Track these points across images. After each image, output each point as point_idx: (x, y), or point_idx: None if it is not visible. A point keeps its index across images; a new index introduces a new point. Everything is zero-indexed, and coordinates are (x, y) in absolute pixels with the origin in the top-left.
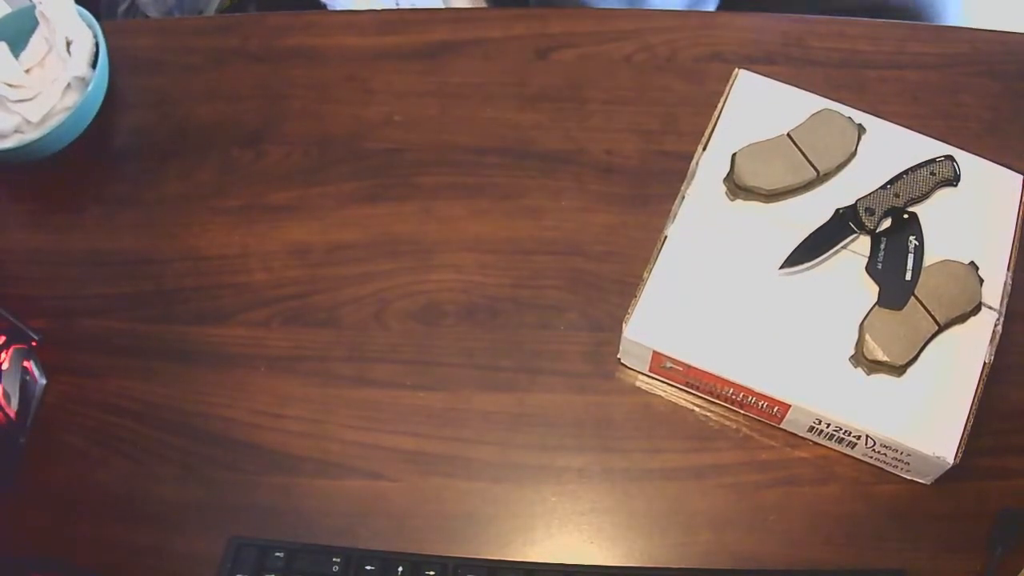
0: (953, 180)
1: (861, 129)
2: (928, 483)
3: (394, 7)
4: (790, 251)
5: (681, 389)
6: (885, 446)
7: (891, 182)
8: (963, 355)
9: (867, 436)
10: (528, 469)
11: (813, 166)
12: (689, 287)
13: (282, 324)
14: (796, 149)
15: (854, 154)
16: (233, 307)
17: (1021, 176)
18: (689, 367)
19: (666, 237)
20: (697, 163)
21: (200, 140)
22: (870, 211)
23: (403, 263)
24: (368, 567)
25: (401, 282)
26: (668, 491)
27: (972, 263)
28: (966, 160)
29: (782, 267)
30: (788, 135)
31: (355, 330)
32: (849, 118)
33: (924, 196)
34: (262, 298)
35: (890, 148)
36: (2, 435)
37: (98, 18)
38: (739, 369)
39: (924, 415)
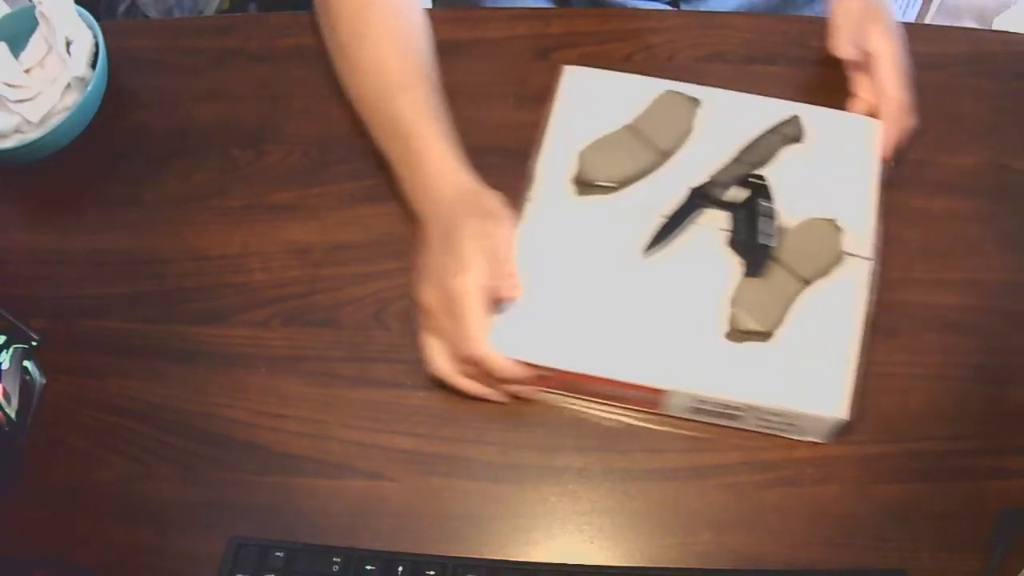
0: (800, 137)
1: (702, 105)
2: (826, 442)
3: None
4: (647, 239)
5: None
6: (772, 413)
7: (739, 152)
8: (839, 308)
9: (751, 407)
10: (528, 469)
11: (658, 150)
12: (548, 291)
13: (282, 324)
14: (639, 136)
15: (698, 131)
16: (233, 307)
17: (878, 121)
18: (557, 371)
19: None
20: (537, 165)
21: (200, 140)
22: (722, 184)
23: (403, 263)
24: (368, 567)
25: (401, 282)
26: (668, 491)
27: (833, 216)
28: (820, 115)
29: (645, 252)
30: (630, 124)
31: (355, 330)
32: (691, 96)
33: (774, 158)
34: (262, 298)
35: (737, 118)
36: (2, 435)
37: (98, 18)
38: (607, 364)
39: (808, 375)
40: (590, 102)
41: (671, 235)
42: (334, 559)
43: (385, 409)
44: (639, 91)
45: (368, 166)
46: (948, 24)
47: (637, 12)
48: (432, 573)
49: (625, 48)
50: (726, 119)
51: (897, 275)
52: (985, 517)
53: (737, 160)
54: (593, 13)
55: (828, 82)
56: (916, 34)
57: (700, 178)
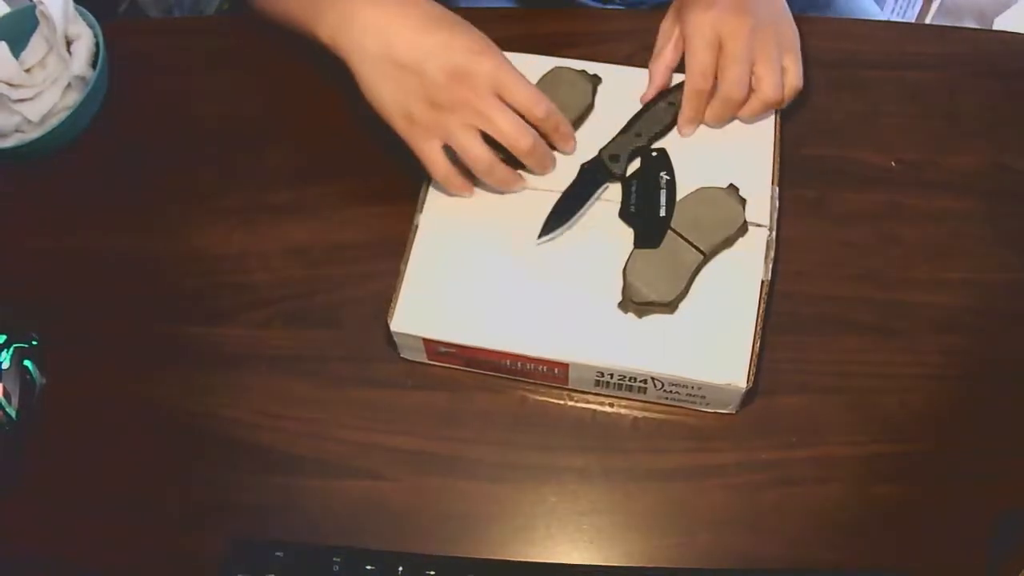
0: None
1: (596, 79)
2: (732, 412)
3: None
4: (544, 214)
5: (463, 371)
6: (675, 384)
7: (630, 123)
8: (739, 277)
9: (652, 378)
10: (528, 469)
11: None
12: (449, 270)
13: (282, 324)
14: None
15: (591, 106)
16: (233, 307)
17: None
18: (461, 347)
19: (417, 226)
20: None
21: (200, 140)
22: (615, 158)
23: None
24: (368, 567)
25: None
26: (668, 491)
27: (731, 185)
28: None
29: (540, 236)
30: None
31: (355, 330)
32: (582, 71)
33: (667, 129)
34: (262, 298)
35: (630, 92)
36: (2, 435)
37: (98, 18)
38: (509, 338)
39: (708, 345)
40: None
41: (566, 214)
42: (334, 559)
43: (385, 409)
44: (536, 68)
45: (368, 166)
46: (948, 24)
47: (638, 12)
48: (432, 573)
49: (625, 48)
50: (620, 94)
51: (897, 275)
52: (985, 517)
53: (627, 132)
54: (593, 13)
55: (828, 82)
56: (916, 34)
57: (593, 154)
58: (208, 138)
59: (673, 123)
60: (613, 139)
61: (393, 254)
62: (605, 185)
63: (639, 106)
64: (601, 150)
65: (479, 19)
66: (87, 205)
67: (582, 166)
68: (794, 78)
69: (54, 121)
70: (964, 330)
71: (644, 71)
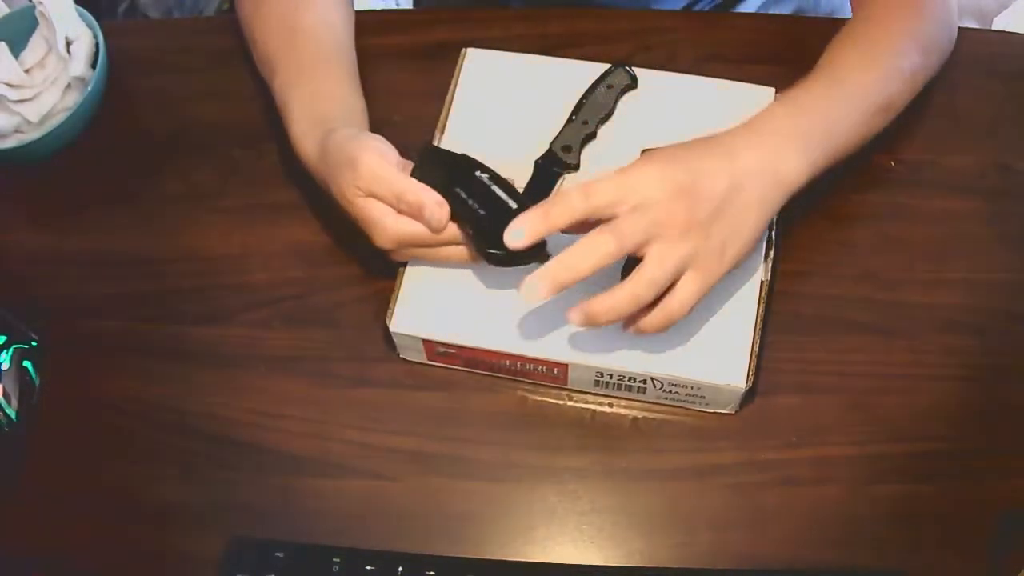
0: (633, 84)
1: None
2: (732, 412)
3: (394, 7)
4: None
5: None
6: (674, 384)
7: (574, 112)
8: (739, 277)
9: (652, 378)
10: (528, 469)
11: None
12: (448, 270)
13: (282, 324)
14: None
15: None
16: (233, 307)
17: (772, 89)
18: (462, 347)
19: None
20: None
21: (200, 140)
22: (567, 148)
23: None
24: (368, 567)
25: None
26: (668, 491)
27: None
28: (715, 86)
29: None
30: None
31: (355, 330)
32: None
33: (610, 113)
34: (262, 298)
35: (570, 84)
36: (2, 435)
37: (98, 18)
38: (509, 339)
39: (708, 345)
40: (491, 84)
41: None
42: (334, 559)
43: (385, 409)
44: (539, 71)
45: None
46: None
47: (638, 12)
48: (432, 573)
49: (625, 48)
50: (568, 86)
51: (897, 275)
52: (985, 517)
53: (573, 121)
54: (593, 13)
55: None
56: None
57: (542, 149)
58: (208, 138)
59: (615, 105)
60: (561, 130)
61: None
62: (563, 177)
63: (578, 96)
64: (552, 143)
65: (482, 19)
66: (87, 205)
67: (536, 161)
68: (678, 304)
69: (54, 122)
70: (964, 330)
71: (581, 63)
